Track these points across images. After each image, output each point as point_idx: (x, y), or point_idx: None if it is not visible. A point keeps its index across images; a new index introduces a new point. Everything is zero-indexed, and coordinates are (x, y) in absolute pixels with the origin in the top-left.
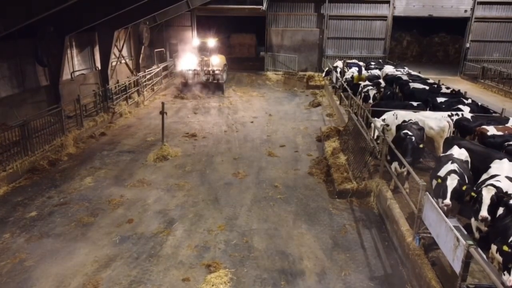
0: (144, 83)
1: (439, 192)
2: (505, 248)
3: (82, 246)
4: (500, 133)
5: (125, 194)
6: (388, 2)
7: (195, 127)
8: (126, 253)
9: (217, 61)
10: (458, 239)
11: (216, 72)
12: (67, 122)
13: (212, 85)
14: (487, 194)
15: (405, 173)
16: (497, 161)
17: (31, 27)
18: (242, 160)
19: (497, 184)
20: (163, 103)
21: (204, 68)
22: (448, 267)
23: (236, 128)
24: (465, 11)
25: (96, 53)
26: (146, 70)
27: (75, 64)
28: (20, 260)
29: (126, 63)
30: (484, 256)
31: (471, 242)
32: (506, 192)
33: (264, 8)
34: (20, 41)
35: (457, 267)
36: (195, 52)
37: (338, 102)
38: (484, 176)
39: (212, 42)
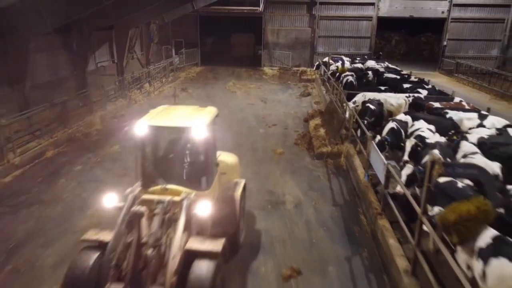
0: (154, 76)
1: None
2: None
3: (119, 188)
4: (441, 106)
5: None
6: (373, 4)
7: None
8: None
9: None
10: (384, 164)
11: None
12: (93, 105)
13: None
14: (409, 144)
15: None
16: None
17: (64, 25)
18: (240, 135)
19: (421, 133)
20: (175, 87)
21: None
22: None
23: (235, 112)
24: (442, 12)
25: (113, 48)
26: (156, 64)
27: (97, 57)
28: (77, 193)
29: (137, 58)
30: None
31: (391, 162)
32: (424, 138)
33: (261, 9)
34: (55, 36)
35: (383, 180)
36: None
37: (324, 91)
38: (412, 129)
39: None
